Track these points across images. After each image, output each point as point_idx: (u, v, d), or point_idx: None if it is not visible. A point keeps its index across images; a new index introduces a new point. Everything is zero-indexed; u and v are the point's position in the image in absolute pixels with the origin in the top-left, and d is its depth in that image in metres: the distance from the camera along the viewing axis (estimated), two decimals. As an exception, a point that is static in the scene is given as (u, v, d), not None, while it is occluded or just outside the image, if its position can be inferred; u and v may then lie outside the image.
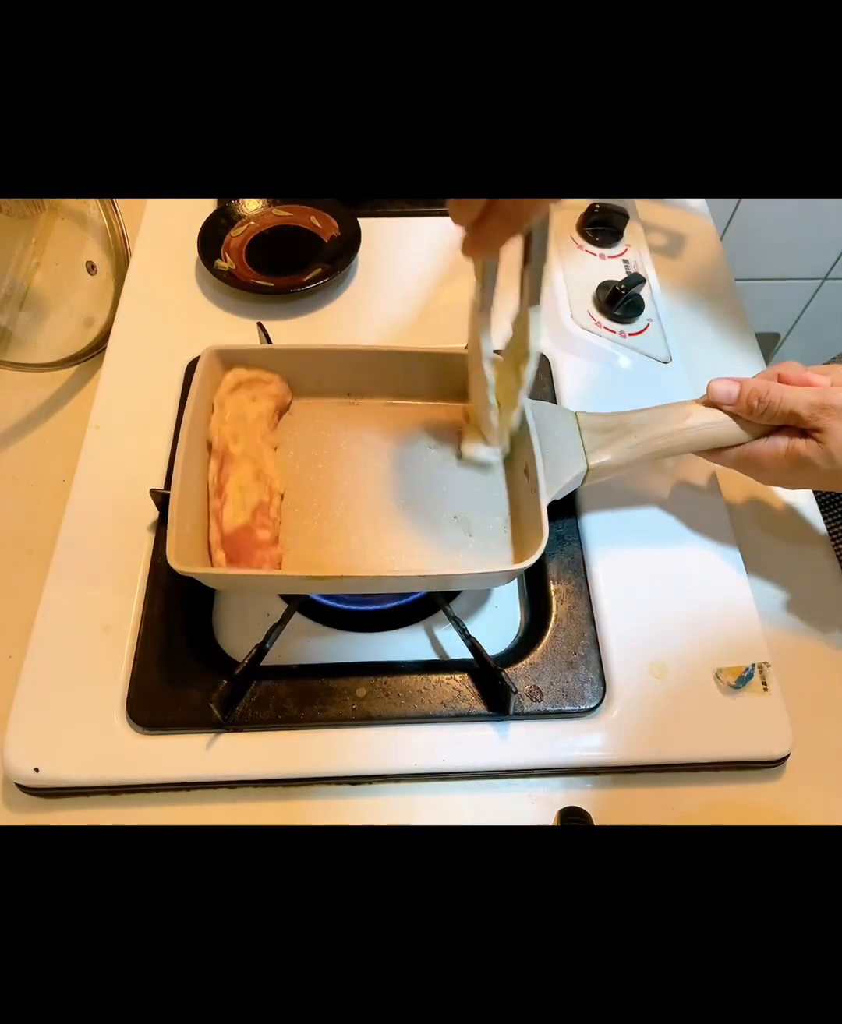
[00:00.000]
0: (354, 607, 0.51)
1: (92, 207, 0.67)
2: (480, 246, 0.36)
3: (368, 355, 0.52)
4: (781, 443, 0.46)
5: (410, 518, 0.48)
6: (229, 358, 0.51)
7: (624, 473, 0.50)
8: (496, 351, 0.46)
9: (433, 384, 0.52)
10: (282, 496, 0.48)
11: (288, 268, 0.67)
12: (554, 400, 0.60)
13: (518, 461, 0.49)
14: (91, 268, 0.67)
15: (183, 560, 0.41)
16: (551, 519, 0.51)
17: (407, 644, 0.50)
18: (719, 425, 0.47)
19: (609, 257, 0.68)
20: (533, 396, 0.59)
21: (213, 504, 0.47)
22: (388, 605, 0.51)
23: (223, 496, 0.46)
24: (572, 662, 0.47)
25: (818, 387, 0.45)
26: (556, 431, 0.48)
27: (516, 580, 0.52)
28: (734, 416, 0.47)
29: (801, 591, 0.54)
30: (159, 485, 0.53)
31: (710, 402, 0.48)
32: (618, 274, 0.65)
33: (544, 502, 0.44)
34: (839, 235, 1.08)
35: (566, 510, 0.53)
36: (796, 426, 0.45)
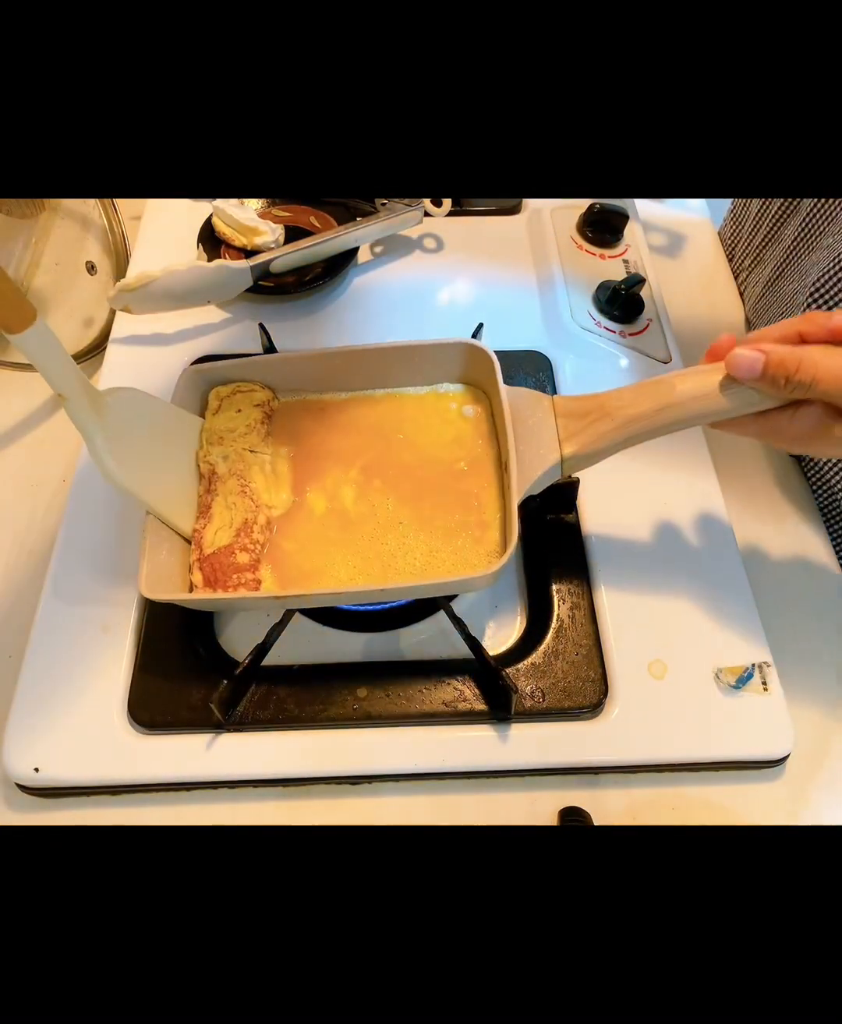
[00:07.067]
0: (355, 607, 0.51)
1: (92, 207, 0.67)
2: None
3: (348, 355, 0.51)
4: (810, 420, 0.40)
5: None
6: (211, 376, 0.51)
7: (619, 461, 0.46)
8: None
9: (417, 373, 0.52)
10: (270, 508, 0.48)
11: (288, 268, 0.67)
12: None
13: (500, 457, 0.48)
14: (91, 268, 0.67)
15: (154, 587, 0.42)
16: (552, 519, 0.51)
17: (408, 644, 0.50)
18: (707, 399, 0.41)
19: (609, 257, 0.68)
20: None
21: (196, 524, 0.47)
22: (389, 605, 0.51)
23: (207, 516, 0.47)
24: (574, 662, 0.47)
25: None
26: (531, 420, 0.45)
27: (517, 581, 0.52)
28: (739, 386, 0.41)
29: (801, 591, 0.54)
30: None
31: (730, 377, 0.41)
32: (618, 274, 0.65)
33: (515, 501, 0.43)
34: (839, 235, 1.07)
35: (566, 510, 0.53)
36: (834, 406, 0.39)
